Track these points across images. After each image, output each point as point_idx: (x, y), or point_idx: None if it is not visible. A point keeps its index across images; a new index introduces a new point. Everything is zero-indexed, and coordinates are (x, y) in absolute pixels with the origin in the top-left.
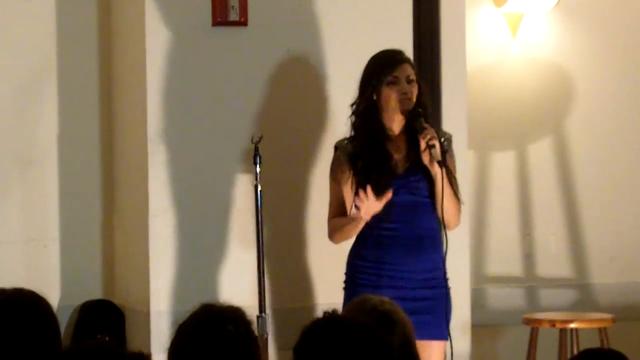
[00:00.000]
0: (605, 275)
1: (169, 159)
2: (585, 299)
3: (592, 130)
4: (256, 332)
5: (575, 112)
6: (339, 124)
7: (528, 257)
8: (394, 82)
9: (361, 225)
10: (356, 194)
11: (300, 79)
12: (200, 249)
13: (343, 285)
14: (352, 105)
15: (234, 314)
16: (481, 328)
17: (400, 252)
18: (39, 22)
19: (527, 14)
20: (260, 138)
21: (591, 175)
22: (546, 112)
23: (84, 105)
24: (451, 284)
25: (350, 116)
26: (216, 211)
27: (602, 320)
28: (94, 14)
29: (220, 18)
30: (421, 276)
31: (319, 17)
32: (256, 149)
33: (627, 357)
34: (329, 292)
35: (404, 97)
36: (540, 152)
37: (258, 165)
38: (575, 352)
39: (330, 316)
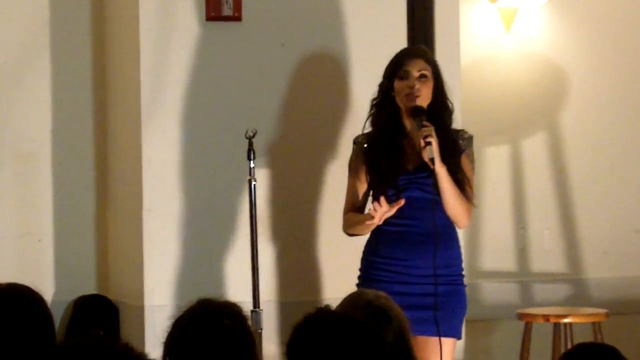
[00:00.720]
0: (599, 269)
1: (163, 153)
2: (579, 294)
3: (585, 125)
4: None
5: (569, 107)
6: (335, 118)
7: (522, 252)
8: (402, 77)
9: (372, 227)
10: (369, 188)
11: (295, 73)
12: (195, 243)
13: (357, 281)
14: (373, 99)
15: (231, 309)
16: (475, 322)
17: (411, 248)
18: (31, 9)
19: (521, 9)
20: (255, 133)
21: (585, 170)
22: (540, 107)
23: (78, 100)
24: None
25: (371, 109)
26: (210, 205)
27: (595, 315)
28: (87, 9)
29: (214, 13)
30: (432, 272)
31: (313, 12)
32: (250, 144)
33: (621, 351)
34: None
35: (408, 92)
36: (534, 147)
37: (252, 161)
38: (569, 346)
39: (322, 312)
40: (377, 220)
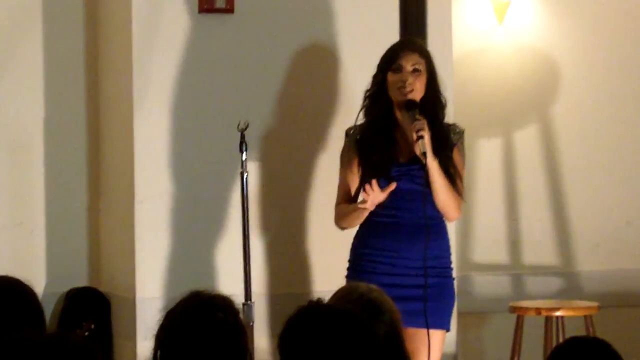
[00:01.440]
0: (590, 262)
1: (155, 145)
2: (571, 287)
3: (577, 117)
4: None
5: (561, 99)
6: (328, 110)
7: (514, 244)
8: (395, 70)
9: (365, 214)
10: (362, 180)
11: (287, 66)
12: (187, 235)
13: (346, 272)
14: (366, 91)
15: (223, 302)
16: (467, 315)
17: (400, 239)
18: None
19: (513, 1)
20: (247, 125)
21: (577, 162)
22: (532, 99)
23: (70, 91)
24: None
25: (364, 101)
26: (202, 198)
27: (587, 308)
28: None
29: (206, 5)
30: (421, 264)
31: (305, 4)
32: (242, 137)
33: (613, 344)
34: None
35: (400, 86)
36: (526, 139)
37: (244, 153)
38: (560, 339)
39: (315, 304)
40: (369, 205)
